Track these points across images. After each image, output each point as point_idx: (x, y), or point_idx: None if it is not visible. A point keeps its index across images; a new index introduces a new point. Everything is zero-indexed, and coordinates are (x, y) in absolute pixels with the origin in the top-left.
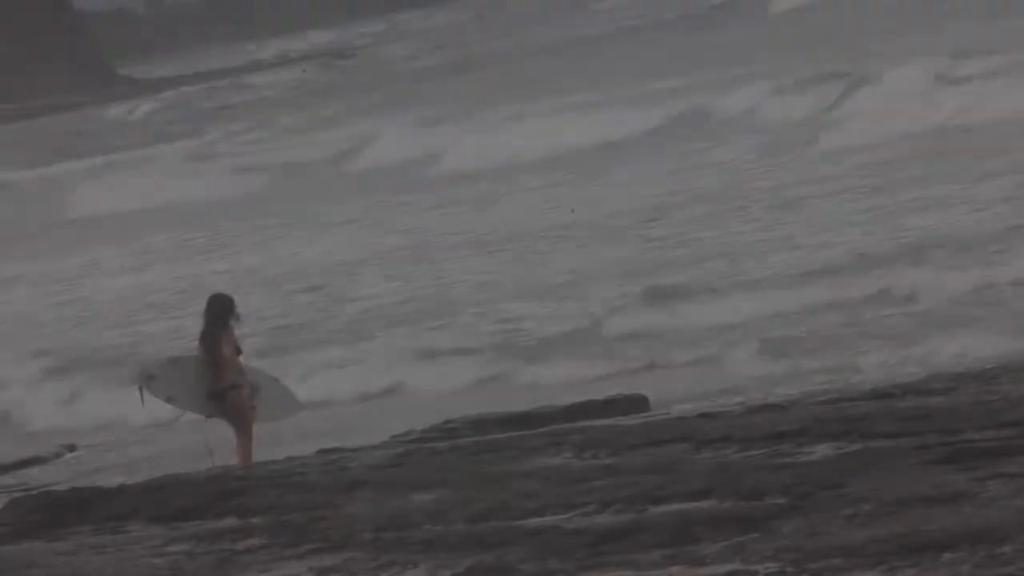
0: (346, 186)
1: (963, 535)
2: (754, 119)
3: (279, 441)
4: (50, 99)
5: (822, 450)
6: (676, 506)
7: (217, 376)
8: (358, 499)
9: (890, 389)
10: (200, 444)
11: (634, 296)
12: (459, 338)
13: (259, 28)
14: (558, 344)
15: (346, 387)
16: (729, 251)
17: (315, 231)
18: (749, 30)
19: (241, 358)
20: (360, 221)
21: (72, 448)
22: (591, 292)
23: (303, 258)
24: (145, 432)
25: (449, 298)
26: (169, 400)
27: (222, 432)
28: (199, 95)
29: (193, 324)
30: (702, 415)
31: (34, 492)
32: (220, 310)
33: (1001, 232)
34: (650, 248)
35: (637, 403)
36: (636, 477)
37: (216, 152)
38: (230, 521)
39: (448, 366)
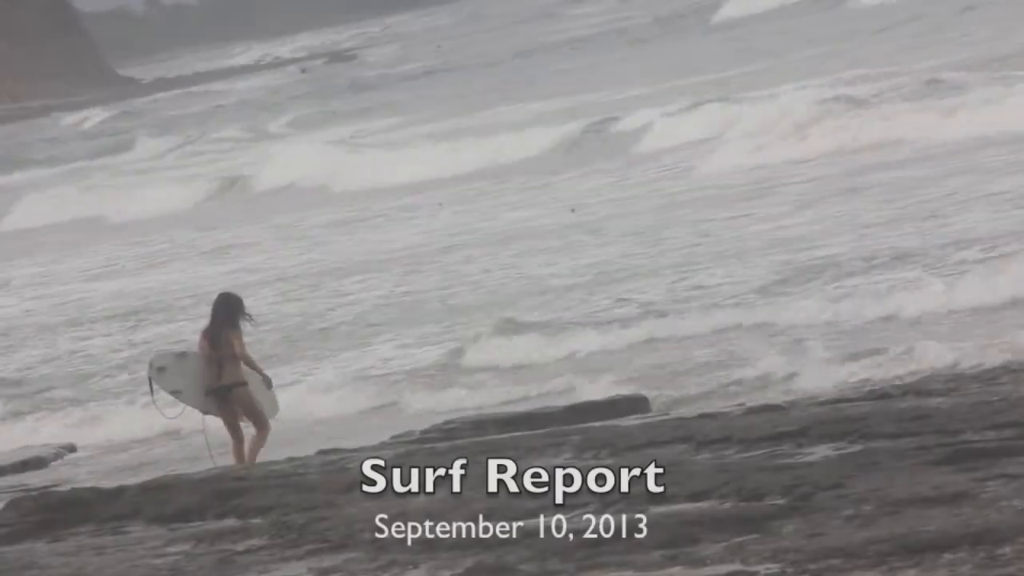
0: (243, 208)
1: (963, 536)
2: (644, 140)
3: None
4: (49, 99)
5: (822, 451)
6: (676, 507)
7: (220, 374)
8: (358, 499)
9: (890, 389)
10: (193, 445)
11: (490, 328)
12: (346, 367)
13: (258, 29)
14: (420, 375)
15: None
16: (577, 283)
17: (207, 255)
18: (684, 43)
19: (248, 352)
20: (255, 245)
21: (72, 448)
22: (454, 323)
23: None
24: (142, 434)
25: (340, 324)
26: (175, 393)
27: (224, 432)
28: (166, 102)
29: (124, 339)
30: (702, 416)
31: (34, 492)
32: (229, 309)
33: (863, 263)
34: (502, 278)
35: (637, 403)
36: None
37: (156, 165)
38: (230, 521)
39: (336, 395)
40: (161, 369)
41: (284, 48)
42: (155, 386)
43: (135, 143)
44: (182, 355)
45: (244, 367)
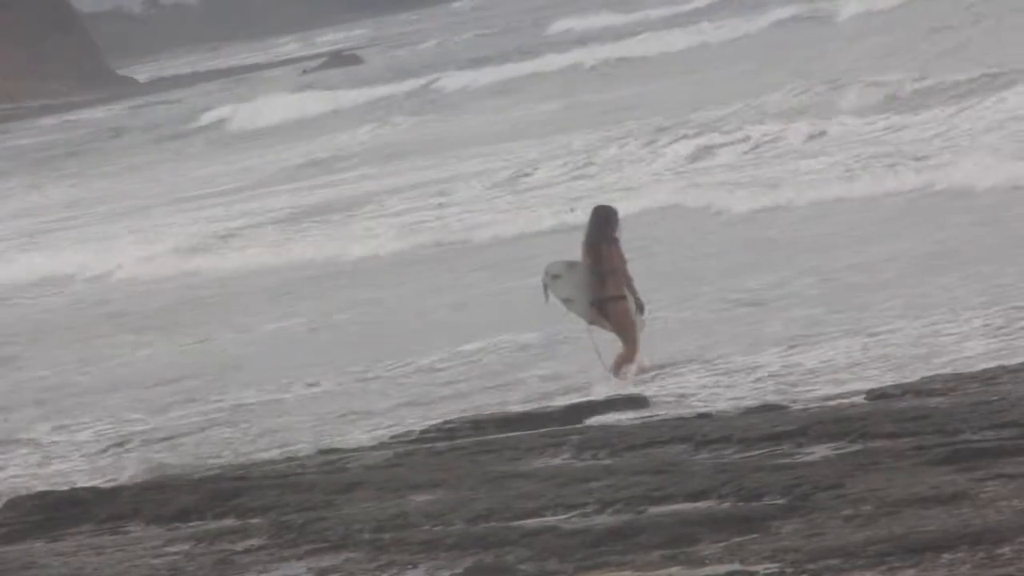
0: None
1: (962, 536)
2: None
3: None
4: (47, 99)
5: (821, 451)
6: (675, 506)
7: (601, 285)
8: (357, 499)
9: (889, 389)
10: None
11: None
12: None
13: (259, 29)
14: None
15: None
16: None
17: None
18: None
19: (628, 268)
20: None
21: None
22: None
23: None
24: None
25: None
26: (566, 302)
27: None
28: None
29: None
30: (701, 415)
31: (33, 492)
32: (602, 221)
33: None
34: None
35: (637, 403)
36: (635, 477)
37: None
38: (229, 521)
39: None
40: (556, 276)
41: (284, 49)
42: (549, 292)
43: None
44: (572, 264)
45: (631, 279)
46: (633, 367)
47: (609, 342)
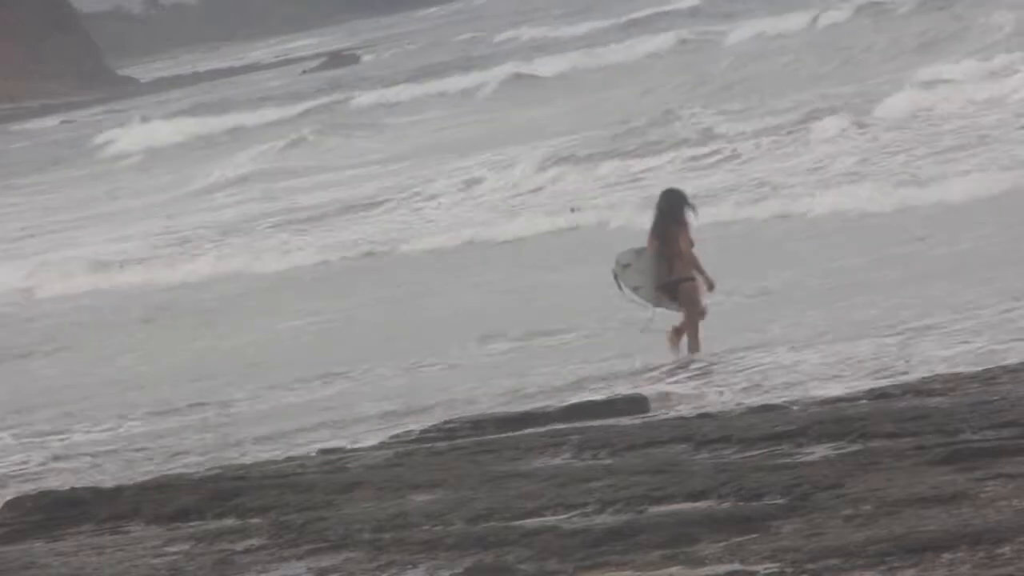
0: None
1: (962, 535)
2: None
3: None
4: (48, 99)
5: (821, 450)
6: (675, 506)
7: (670, 268)
8: (357, 499)
9: (889, 389)
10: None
11: None
12: None
13: (259, 29)
14: None
15: None
16: None
17: None
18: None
19: (694, 251)
20: None
21: None
22: None
23: None
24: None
25: None
26: (635, 289)
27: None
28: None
29: None
30: (701, 415)
31: (33, 492)
32: (673, 204)
33: None
34: None
35: (637, 403)
36: (635, 477)
37: None
38: (229, 521)
39: None
40: (626, 266)
41: (283, 48)
42: (620, 282)
43: None
44: (640, 251)
45: (698, 262)
46: (678, 349)
47: (659, 333)
